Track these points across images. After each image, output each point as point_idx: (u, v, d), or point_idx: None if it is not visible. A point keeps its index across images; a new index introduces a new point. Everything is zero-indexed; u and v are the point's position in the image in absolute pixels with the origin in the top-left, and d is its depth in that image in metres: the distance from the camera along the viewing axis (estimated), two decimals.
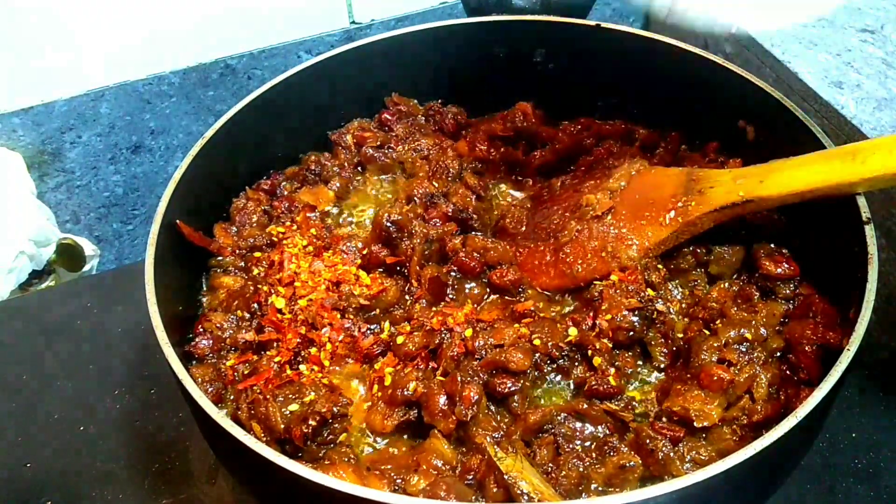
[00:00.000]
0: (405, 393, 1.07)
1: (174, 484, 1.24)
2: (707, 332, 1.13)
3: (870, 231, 1.06)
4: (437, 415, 1.05)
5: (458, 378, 1.05)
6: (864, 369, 1.36)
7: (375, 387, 1.11)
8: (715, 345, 1.08)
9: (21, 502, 1.23)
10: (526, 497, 0.93)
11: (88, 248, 1.88)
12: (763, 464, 0.87)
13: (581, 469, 1.00)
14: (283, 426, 1.02)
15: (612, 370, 1.11)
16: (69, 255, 1.82)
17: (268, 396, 1.05)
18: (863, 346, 0.95)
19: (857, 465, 1.23)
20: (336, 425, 1.05)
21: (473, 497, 0.97)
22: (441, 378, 1.09)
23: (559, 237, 1.27)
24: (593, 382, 1.09)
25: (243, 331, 1.17)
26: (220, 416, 0.92)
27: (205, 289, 1.28)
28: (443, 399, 1.05)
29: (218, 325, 1.18)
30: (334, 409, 1.04)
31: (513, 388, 1.08)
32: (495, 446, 1.01)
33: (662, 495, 0.82)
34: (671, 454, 0.99)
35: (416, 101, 1.54)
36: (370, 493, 0.83)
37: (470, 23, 1.51)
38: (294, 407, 1.05)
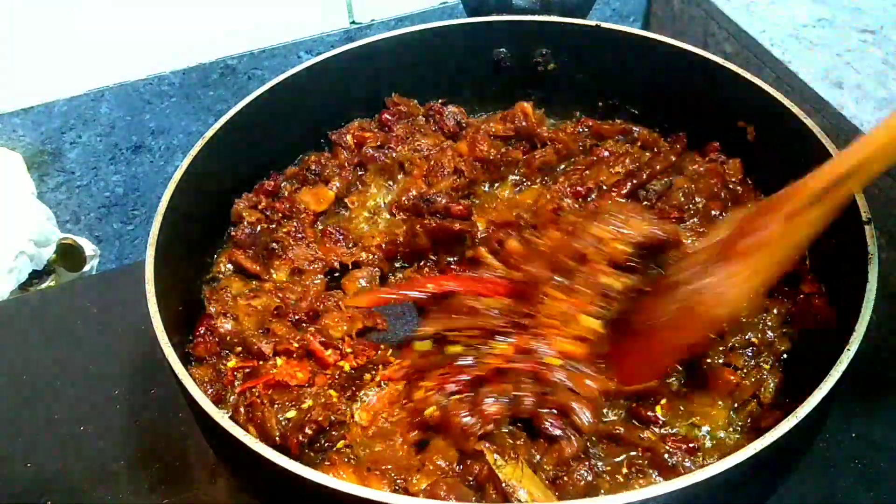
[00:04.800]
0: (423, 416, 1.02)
1: (174, 484, 1.23)
2: (712, 335, 1.12)
3: (870, 231, 1.06)
4: (459, 437, 1.00)
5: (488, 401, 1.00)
6: (865, 369, 1.35)
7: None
8: (720, 349, 1.08)
9: (21, 502, 1.23)
10: None
11: (88, 248, 1.87)
12: (763, 464, 0.87)
13: (590, 479, 0.98)
14: (278, 433, 1.01)
15: (664, 400, 1.06)
16: (69, 255, 1.82)
17: (265, 402, 1.04)
18: (863, 346, 0.95)
19: (857, 466, 1.22)
20: (334, 433, 1.03)
21: (474, 498, 0.97)
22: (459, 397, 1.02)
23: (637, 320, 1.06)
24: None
25: (264, 342, 1.15)
26: (220, 416, 0.92)
27: (204, 289, 1.28)
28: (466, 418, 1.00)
29: (219, 325, 1.18)
30: (332, 417, 1.03)
31: (558, 435, 1.01)
32: (495, 454, 0.99)
33: (662, 495, 0.82)
34: (693, 468, 0.98)
35: (416, 101, 1.54)
36: (370, 493, 0.83)
37: (470, 23, 1.51)
38: (291, 413, 1.03)
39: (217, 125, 1.29)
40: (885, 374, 1.36)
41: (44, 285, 1.78)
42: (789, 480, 1.04)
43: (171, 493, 1.22)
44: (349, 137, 1.46)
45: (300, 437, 1.00)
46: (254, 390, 1.07)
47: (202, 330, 1.18)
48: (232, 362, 1.14)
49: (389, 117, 1.49)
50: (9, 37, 1.72)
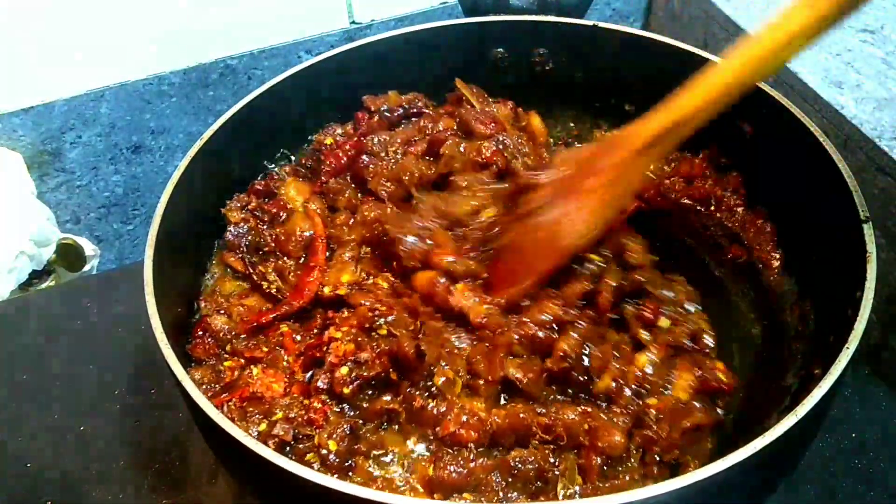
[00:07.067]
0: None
1: (174, 484, 1.24)
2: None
3: (868, 230, 1.06)
4: None
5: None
6: (864, 369, 1.36)
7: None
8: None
9: (21, 502, 1.23)
10: None
11: (88, 248, 1.87)
12: (763, 463, 0.87)
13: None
14: None
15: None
16: (69, 255, 1.82)
17: (234, 416, 1.03)
18: (862, 345, 0.95)
19: (857, 466, 1.23)
20: (300, 446, 1.02)
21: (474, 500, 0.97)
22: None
23: (504, 241, 1.18)
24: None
25: (252, 342, 1.16)
26: (220, 417, 0.92)
27: (204, 291, 1.27)
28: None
29: (212, 323, 1.18)
30: (293, 431, 1.01)
31: None
32: None
33: (662, 494, 0.82)
34: None
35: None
36: (371, 494, 0.82)
37: (469, 23, 1.51)
38: (262, 427, 1.02)
39: (216, 125, 1.29)
40: (884, 374, 1.36)
41: (44, 285, 1.78)
42: (789, 480, 1.04)
43: (171, 494, 1.22)
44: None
45: None
46: (230, 403, 1.06)
47: (200, 332, 1.17)
48: (229, 363, 1.14)
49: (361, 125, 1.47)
50: (9, 37, 1.72)
